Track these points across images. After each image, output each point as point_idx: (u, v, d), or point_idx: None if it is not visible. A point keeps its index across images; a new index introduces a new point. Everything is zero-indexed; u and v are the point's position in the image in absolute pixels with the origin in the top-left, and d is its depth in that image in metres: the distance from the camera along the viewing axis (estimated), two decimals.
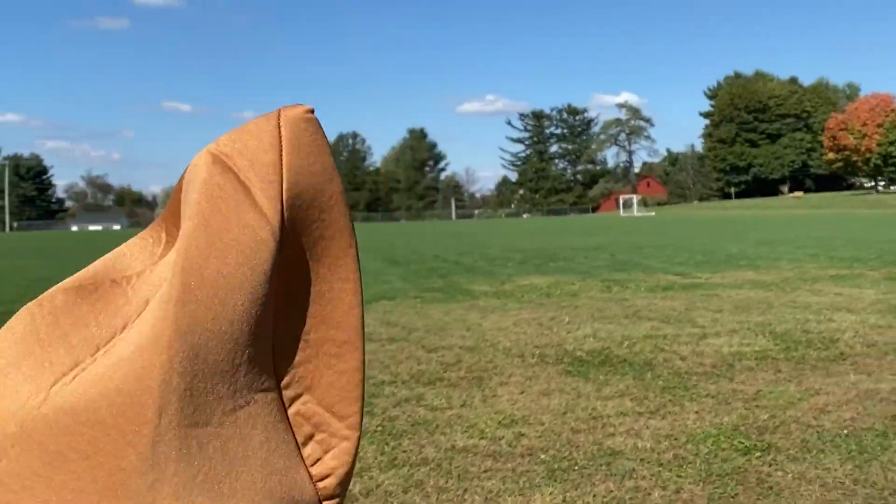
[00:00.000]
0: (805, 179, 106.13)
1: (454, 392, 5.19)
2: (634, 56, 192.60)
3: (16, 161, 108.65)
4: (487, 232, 39.18)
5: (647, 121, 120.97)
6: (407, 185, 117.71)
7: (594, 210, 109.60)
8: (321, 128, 0.45)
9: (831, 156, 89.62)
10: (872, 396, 4.85)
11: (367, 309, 7.86)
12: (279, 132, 0.43)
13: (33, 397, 0.39)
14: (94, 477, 0.39)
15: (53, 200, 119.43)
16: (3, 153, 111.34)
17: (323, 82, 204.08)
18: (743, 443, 4.07)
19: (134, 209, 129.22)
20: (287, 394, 0.46)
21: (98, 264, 0.46)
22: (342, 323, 0.46)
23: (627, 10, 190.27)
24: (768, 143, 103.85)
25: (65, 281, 0.44)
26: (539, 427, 4.41)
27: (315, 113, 0.45)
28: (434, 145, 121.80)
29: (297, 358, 0.46)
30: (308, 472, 0.46)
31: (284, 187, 0.43)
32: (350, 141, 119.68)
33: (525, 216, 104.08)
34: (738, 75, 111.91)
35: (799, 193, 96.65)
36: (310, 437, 0.46)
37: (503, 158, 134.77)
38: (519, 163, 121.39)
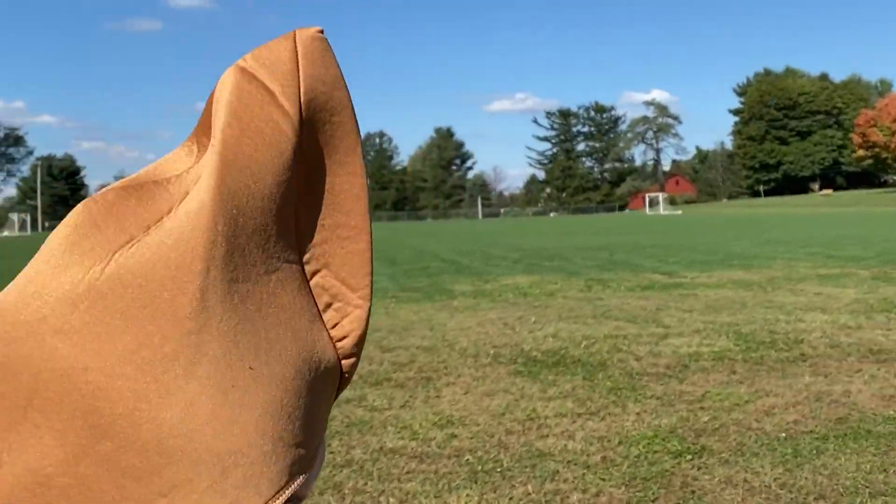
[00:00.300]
0: (836, 177, 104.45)
1: (398, 393, 5.17)
2: (665, 53, 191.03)
3: (49, 161, 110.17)
4: (503, 231, 39.11)
5: (675, 118, 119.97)
6: (433, 183, 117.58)
7: (622, 208, 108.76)
8: (330, 45, 0.54)
9: (861, 153, 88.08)
10: (822, 398, 4.75)
11: None
12: (295, 48, 0.52)
13: (97, 264, 0.46)
14: (153, 321, 0.46)
15: None
16: (36, 154, 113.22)
17: (350, 81, 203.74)
18: (676, 446, 4.02)
19: None
20: (308, 268, 0.54)
21: (139, 172, 0.53)
22: (352, 210, 0.55)
23: (659, 7, 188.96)
24: (798, 141, 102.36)
25: (112, 184, 0.51)
26: (474, 428, 4.37)
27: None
28: (461, 144, 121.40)
29: (316, 239, 0.54)
30: (328, 334, 0.55)
31: (301, 91, 0.51)
32: (377, 140, 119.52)
33: (552, 214, 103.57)
34: (767, 72, 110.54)
35: (828, 191, 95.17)
36: (328, 306, 0.55)
37: (530, 157, 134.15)
38: (546, 161, 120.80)
